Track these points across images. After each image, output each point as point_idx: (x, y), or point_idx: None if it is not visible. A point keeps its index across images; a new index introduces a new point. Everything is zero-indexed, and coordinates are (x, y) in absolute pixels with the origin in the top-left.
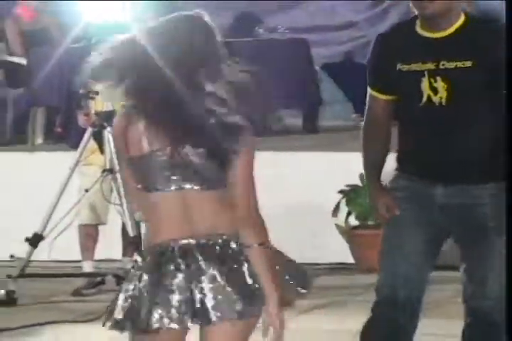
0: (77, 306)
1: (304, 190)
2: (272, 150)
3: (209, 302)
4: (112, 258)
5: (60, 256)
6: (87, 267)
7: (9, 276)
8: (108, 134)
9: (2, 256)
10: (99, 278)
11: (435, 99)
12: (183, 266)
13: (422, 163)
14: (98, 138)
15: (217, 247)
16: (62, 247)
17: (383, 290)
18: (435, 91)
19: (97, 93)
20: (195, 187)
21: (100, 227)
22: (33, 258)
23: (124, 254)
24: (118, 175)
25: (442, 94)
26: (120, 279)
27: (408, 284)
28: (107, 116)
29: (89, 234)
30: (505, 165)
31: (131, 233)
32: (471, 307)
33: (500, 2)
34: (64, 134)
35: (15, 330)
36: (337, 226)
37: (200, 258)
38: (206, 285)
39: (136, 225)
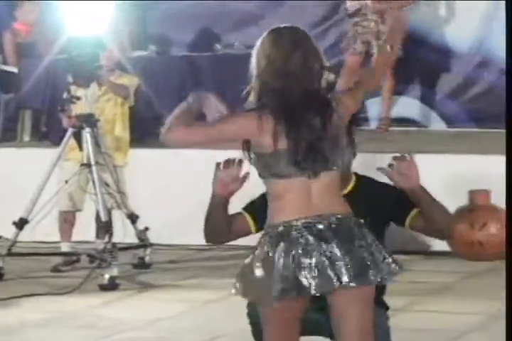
0: (55, 281)
1: None
2: None
3: None
4: (87, 240)
5: (41, 237)
6: (65, 247)
7: None
8: (86, 134)
9: None
10: (74, 257)
11: None
12: None
13: None
14: (77, 137)
15: None
16: (43, 230)
17: None
18: None
19: (78, 98)
20: None
21: (77, 213)
22: (18, 239)
23: (97, 237)
24: (93, 169)
25: None
26: (93, 258)
27: None
28: (86, 119)
29: (67, 219)
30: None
31: (103, 218)
32: None
33: None
34: (48, 133)
35: (1, 301)
36: None
37: None
38: None
39: (108, 212)
